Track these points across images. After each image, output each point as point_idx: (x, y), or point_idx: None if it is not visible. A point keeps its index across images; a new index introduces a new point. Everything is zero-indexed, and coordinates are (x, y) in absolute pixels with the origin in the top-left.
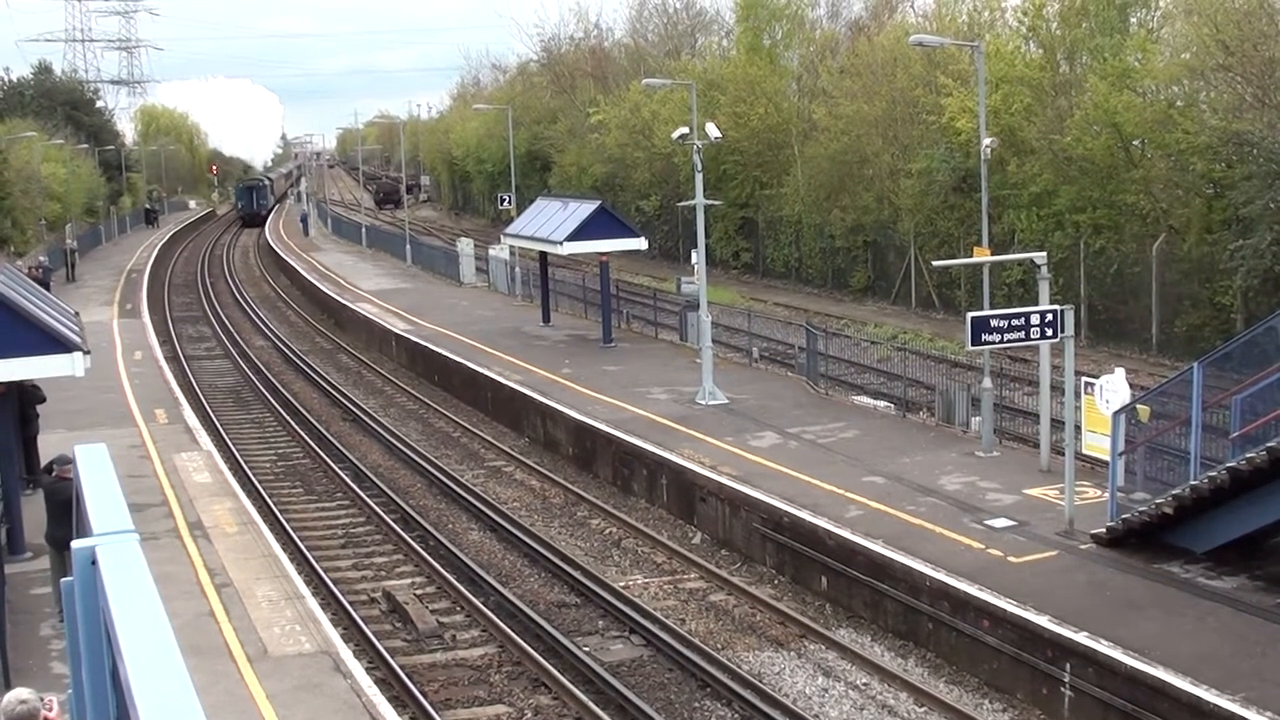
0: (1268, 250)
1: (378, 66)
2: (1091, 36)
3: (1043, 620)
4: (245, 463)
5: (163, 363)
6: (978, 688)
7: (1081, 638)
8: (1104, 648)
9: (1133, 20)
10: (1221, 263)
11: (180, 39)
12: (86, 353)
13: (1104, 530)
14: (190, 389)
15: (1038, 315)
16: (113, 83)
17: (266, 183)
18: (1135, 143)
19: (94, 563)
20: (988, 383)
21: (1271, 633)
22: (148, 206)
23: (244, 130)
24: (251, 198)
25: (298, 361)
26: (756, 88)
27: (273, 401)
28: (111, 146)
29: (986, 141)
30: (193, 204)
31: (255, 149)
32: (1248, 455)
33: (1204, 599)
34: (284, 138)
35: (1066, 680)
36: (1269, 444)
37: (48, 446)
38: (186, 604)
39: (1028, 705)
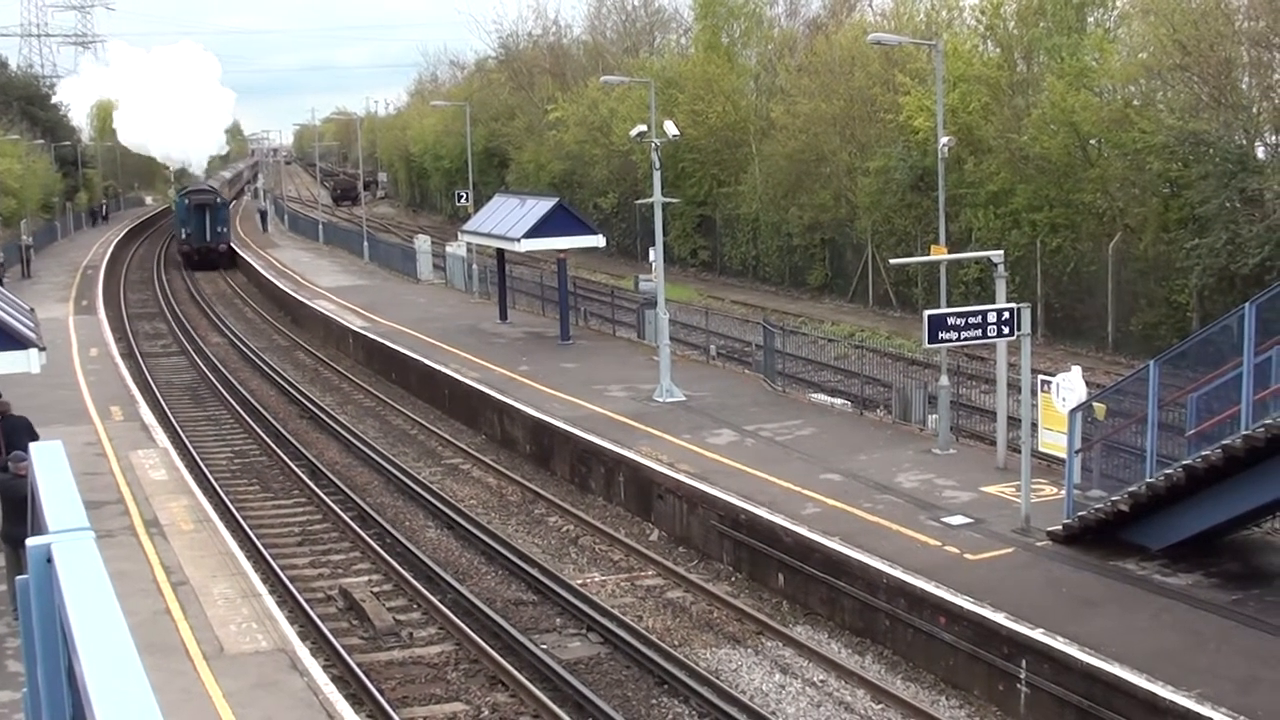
0: (1223, 249)
1: (335, 63)
2: (1049, 36)
3: (999, 617)
4: (202, 460)
5: (119, 360)
6: (934, 684)
7: (1037, 634)
8: (1060, 644)
9: (1090, 20)
10: (1177, 261)
11: (138, 34)
12: (42, 349)
13: (1060, 527)
14: (146, 386)
15: (994, 313)
16: (64, 77)
17: (218, 199)
18: (1092, 142)
19: (49, 560)
20: (945, 380)
21: (1226, 629)
22: (102, 203)
23: (177, 120)
24: (203, 221)
25: (255, 359)
26: (714, 86)
27: (229, 399)
28: (68, 142)
29: (944, 140)
30: (149, 200)
31: (193, 144)
32: (1203, 453)
33: (1159, 595)
34: (239, 132)
35: (1022, 677)
36: (1224, 442)
37: None
38: (143, 602)
39: (984, 702)
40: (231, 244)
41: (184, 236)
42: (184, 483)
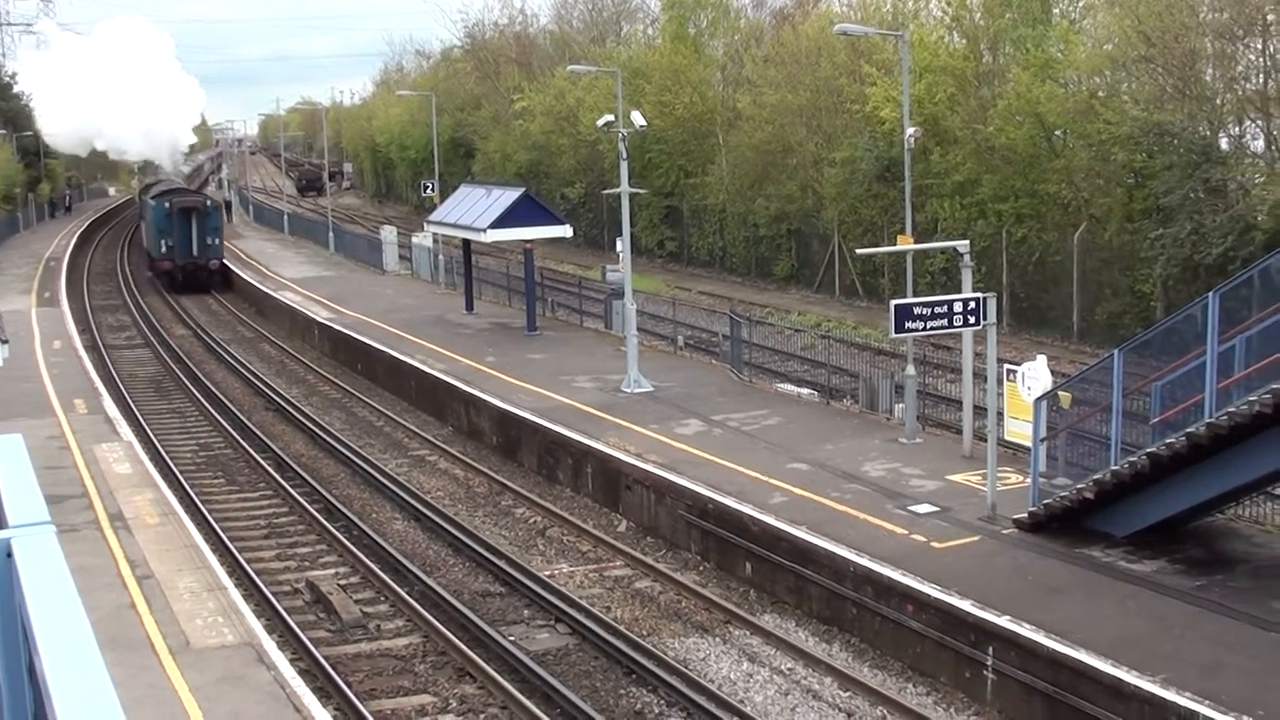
0: (1187, 239)
1: (301, 53)
2: (1014, 27)
3: (965, 605)
4: (166, 453)
5: (82, 352)
6: (901, 672)
7: (1004, 621)
8: (1026, 631)
9: (1055, 11)
10: (1142, 251)
11: (97, 23)
12: (4, 342)
13: (1026, 515)
14: (110, 379)
15: (960, 303)
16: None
17: (208, 202)
18: (1057, 133)
19: (9, 555)
20: (911, 370)
21: (1190, 615)
22: (65, 194)
23: (132, 108)
24: (188, 231)
25: (219, 350)
26: (681, 76)
27: (194, 391)
28: (30, 132)
29: (910, 131)
30: (112, 191)
31: (157, 136)
32: (1167, 441)
33: (1124, 582)
34: (203, 122)
35: (989, 664)
36: (1188, 429)
37: None
38: (107, 596)
39: (951, 689)
40: (221, 260)
41: (163, 251)
42: (149, 476)
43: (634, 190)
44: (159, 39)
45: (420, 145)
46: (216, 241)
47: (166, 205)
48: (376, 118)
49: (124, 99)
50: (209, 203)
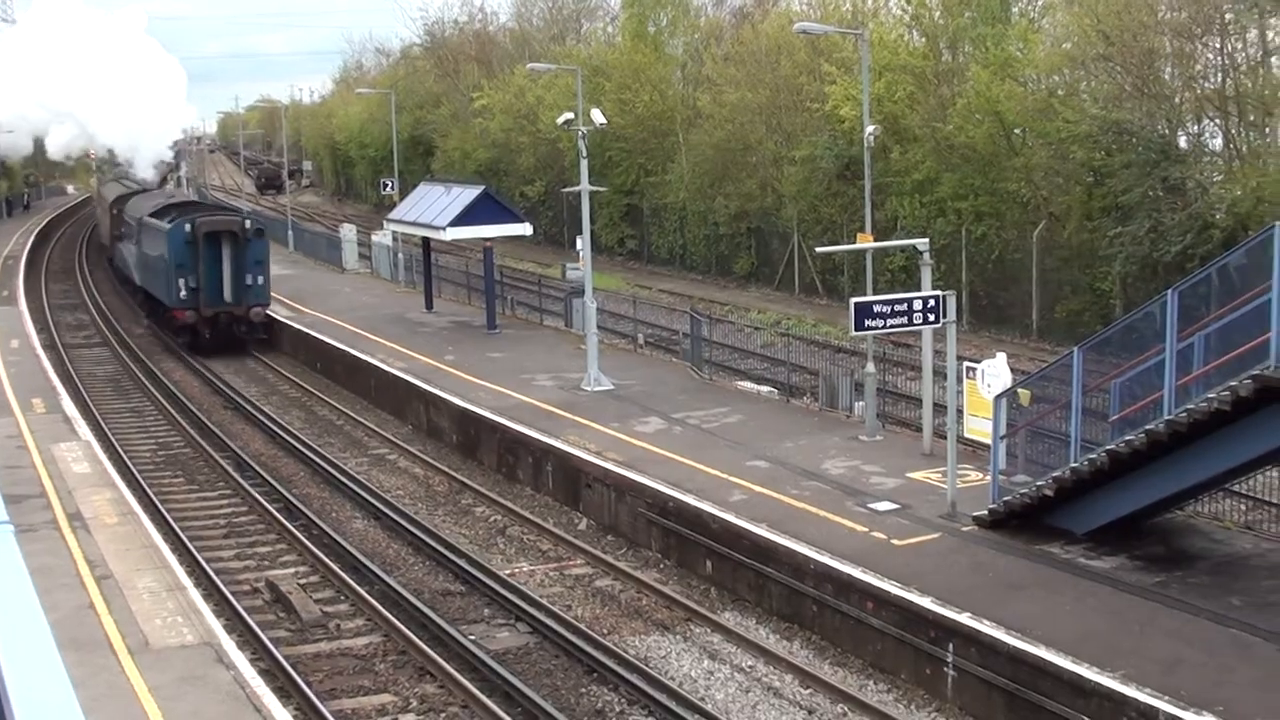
0: (1145, 237)
1: (259, 50)
2: (974, 25)
3: (926, 602)
4: (125, 453)
5: (40, 351)
6: (862, 669)
7: (964, 618)
8: (986, 628)
9: (1014, 10)
10: (1101, 249)
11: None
12: None
13: (986, 512)
14: (69, 378)
15: (920, 301)
16: None
17: (246, 223)
18: (1016, 131)
19: None
20: (871, 367)
21: (1149, 611)
22: (23, 192)
23: (110, 95)
24: (218, 266)
25: (178, 350)
26: (641, 75)
27: (153, 390)
28: None
29: (870, 129)
30: (71, 189)
31: (144, 129)
32: (1126, 438)
33: (1084, 579)
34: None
35: (949, 660)
36: (1147, 427)
37: None
38: (66, 596)
39: (911, 685)
40: (266, 306)
41: (181, 296)
42: (107, 475)
43: (594, 188)
44: (131, 14)
45: (380, 143)
46: (260, 280)
47: (187, 229)
48: (336, 116)
49: (102, 84)
50: (247, 224)
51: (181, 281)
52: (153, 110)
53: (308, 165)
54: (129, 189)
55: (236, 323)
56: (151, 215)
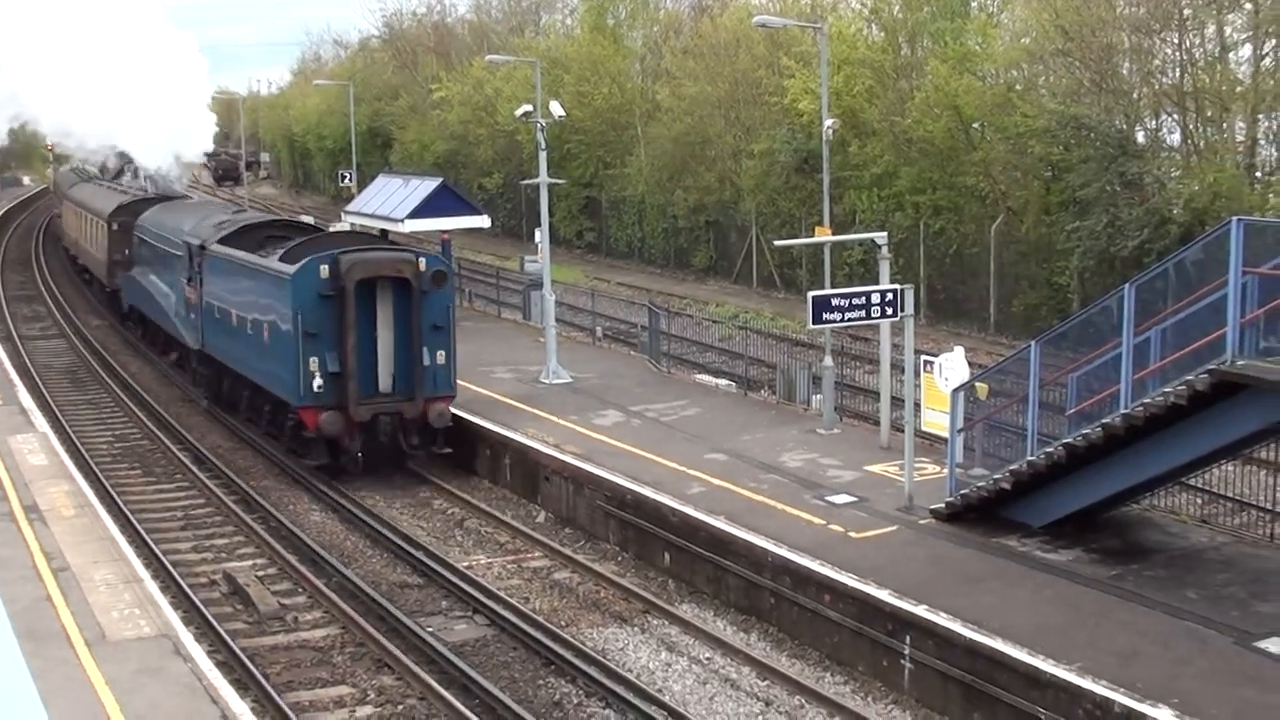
0: (1103, 232)
1: (217, 41)
2: (933, 20)
3: (883, 594)
4: (82, 445)
5: None
6: (819, 661)
7: (921, 611)
8: (943, 620)
9: (974, 4)
10: (1058, 244)
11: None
12: None
13: (943, 505)
14: (25, 370)
15: (878, 294)
16: None
17: (421, 260)
18: (975, 125)
19: None
20: (829, 361)
21: (1106, 604)
22: None
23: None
24: (370, 335)
25: (135, 342)
26: (600, 67)
27: (110, 382)
28: None
29: (828, 123)
30: (27, 180)
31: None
32: (1083, 431)
33: (1041, 571)
34: None
35: (906, 653)
36: (1103, 420)
37: None
38: (23, 589)
39: (869, 678)
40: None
41: (314, 387)
42: (64, 468)
43: (552, 181)
44: None
45: (338, 135)
46: (443, 357)
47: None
48: (294, 108)
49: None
50: (423, 265)
51: (314, 363)
52: (186, 110)
53: (265, 157)
54: (124, 192)
55: (405, 428)
56: (228, 242)
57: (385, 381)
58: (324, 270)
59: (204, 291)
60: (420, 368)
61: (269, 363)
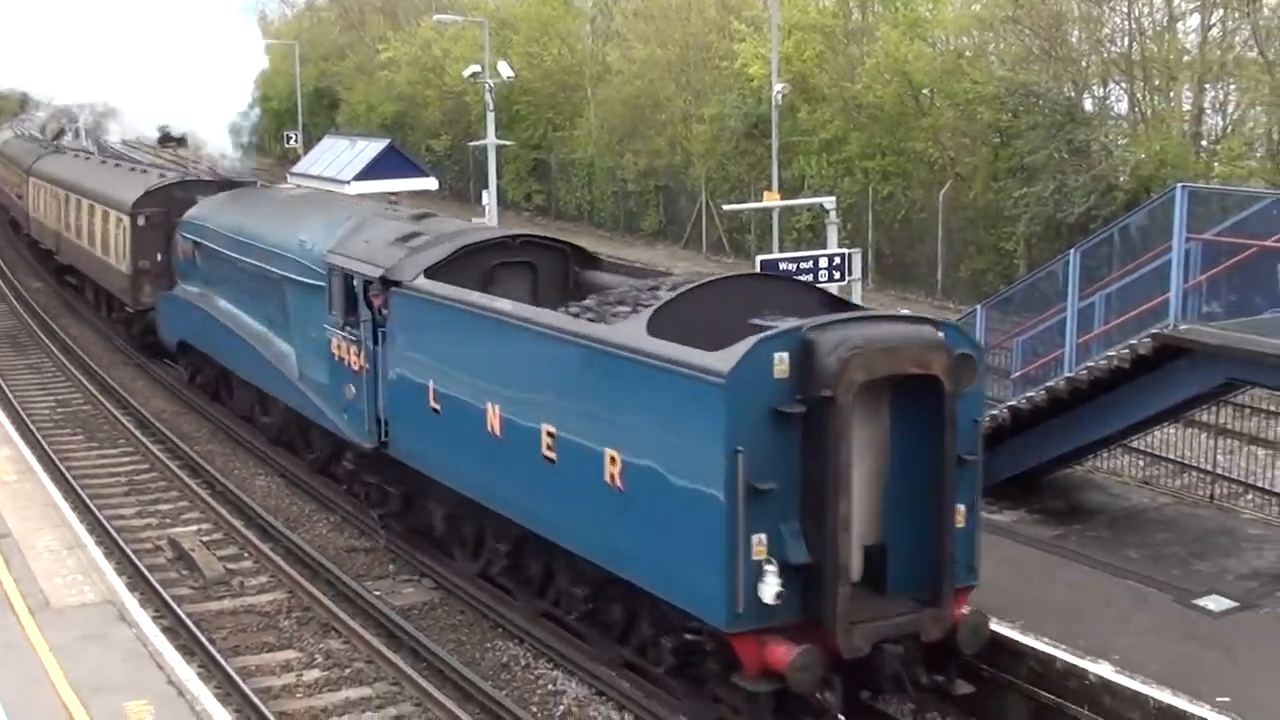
0: (1050, 198)
1: None
2: None
3: None
4: (23, 410)
5: None
6: None
7: None
8: None
9: None
10: (1006, 210)
11: None
12: None
13: None
14: None
15: (826, 259)
16: None
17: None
18: (924, 92)
19: None
20: None
21: (1050, 564)
22: None
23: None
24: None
25: (77, 305)
26: (550, 28)
27: (51, 346)
28: None
29: (778, 88)
30: None
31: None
32: (1028, 394)
33: (985, 533)
34: None
35: None
36: (1048, 384)
37: None
38: None
39: None
40: None
41: (764, 594)
42: (5, 433)
43: (500, 142)
44: None
45: (284, 96)
46: (964, 513)
47: (780, 368)
48: None
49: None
50: (946, 338)
51: (760, 546)
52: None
53: None
54: (144, 171)
55: (918, 659)
56: (443, 276)
57: (858, 569)
58: (781, 363)
59: (394, 358)
60: (949, 541)
61: (637, 538)
